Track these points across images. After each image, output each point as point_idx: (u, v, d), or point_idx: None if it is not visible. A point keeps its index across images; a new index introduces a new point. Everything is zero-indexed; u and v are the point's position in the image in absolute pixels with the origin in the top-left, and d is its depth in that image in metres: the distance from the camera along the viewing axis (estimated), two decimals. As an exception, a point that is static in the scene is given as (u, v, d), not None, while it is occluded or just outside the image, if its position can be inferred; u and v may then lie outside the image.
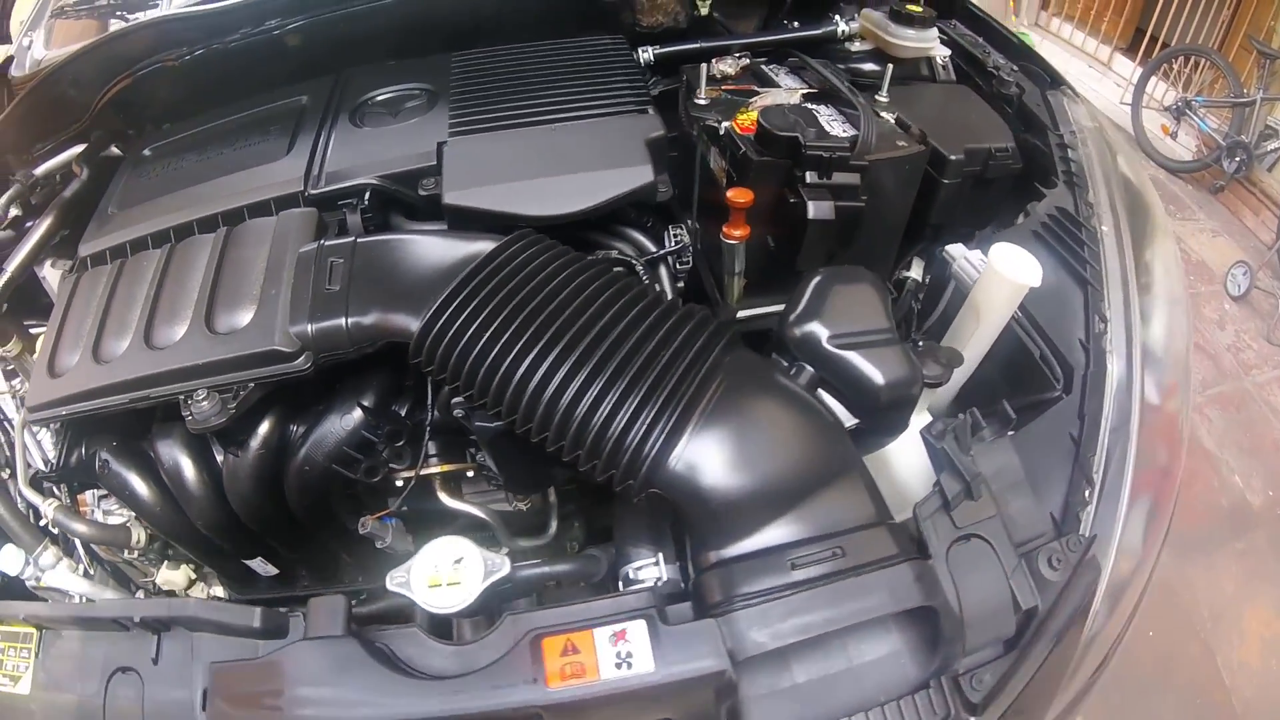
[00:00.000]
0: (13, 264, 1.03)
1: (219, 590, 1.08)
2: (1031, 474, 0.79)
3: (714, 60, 1.31)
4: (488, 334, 0.77)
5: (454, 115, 1.08)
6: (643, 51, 1.36)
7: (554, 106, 1.10)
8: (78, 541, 0.94)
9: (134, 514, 0.95)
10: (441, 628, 0.74)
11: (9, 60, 1.32)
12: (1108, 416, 0.87)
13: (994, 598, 0.70)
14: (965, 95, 1.31)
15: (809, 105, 1.18)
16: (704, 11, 1.42)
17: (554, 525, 1.13)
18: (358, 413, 0.91)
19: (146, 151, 1.15)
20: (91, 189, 1.12)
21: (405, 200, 1.02)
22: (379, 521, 0.98)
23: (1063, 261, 1.01)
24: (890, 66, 1.24)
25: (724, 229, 1.02)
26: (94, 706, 0.71)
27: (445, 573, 0.70)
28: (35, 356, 0.97)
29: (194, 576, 1.04)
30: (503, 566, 0.70)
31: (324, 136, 1.07)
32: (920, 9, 1.32)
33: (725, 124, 1.12)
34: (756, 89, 1.27)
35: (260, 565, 1.05)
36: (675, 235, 1.09)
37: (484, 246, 0.88)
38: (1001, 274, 0.92)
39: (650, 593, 0.67)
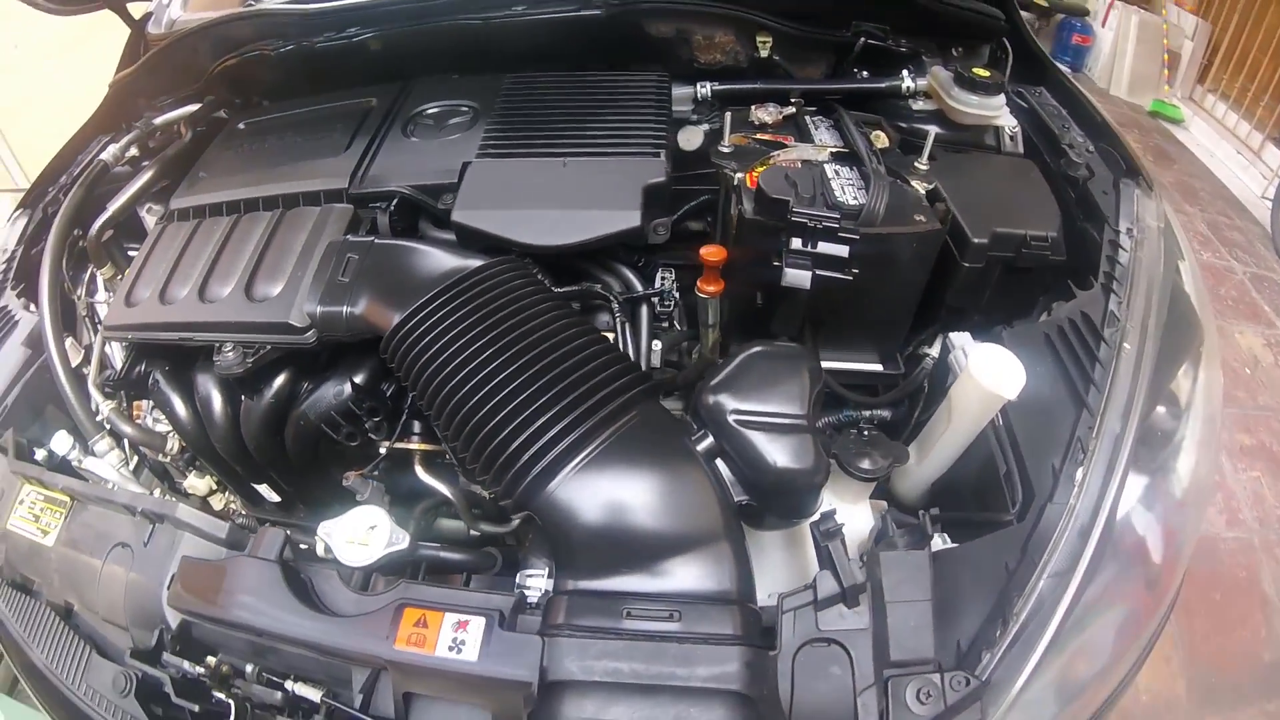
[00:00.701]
0: (119, 201, 1.31)
1: (236, 503, 1.34)
2: (955, 595, 0.78)
3: (754, 106, 1.39)
4: (436, 346, 0.93)
5: (485, 137, 1.24)
6: (700, 86, 1.43)
7: (576, 139, 1.23)
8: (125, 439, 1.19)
9: (171, 428, 1.19)
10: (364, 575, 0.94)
11: (148, 16, 1.60)
12: (1051, 557, 0.80)
13: (833, 711, 0.72)
14: (1025, 171, 1.28)
15: (831, 165, 1.20)
16: (764, 54, 1.48)
17: (516, 519, 1.28)
18: (348, 387, 1.10)
19: (241, 125, 1.39)
20: (191, 149, 1.38)
21: (430, 210, 1.20)
22: (360, 479, 1.18)
23: (1065, 375, 0.96)
24: (933, 132, 1.24)
25: (699, 282, 1.09)
26: (95, 566, 0.95)
27: (359, 534, 0.88)
28: (119, 283, 1.22)
29: (214, 487, 1.28)
30: (402, 542, 0.88)
31: (377, 140, 1.27)
32: (987, 74, 1.32)
33: (739, 175, 1.18)
34: (788, 141, 1.32)
35: (266, 491, 1.28)
36: (663, 277, 1.19)
37: (472, 265, 1.04)
38: (977, 380, 0.91)
39: (516, 599, 0.82)
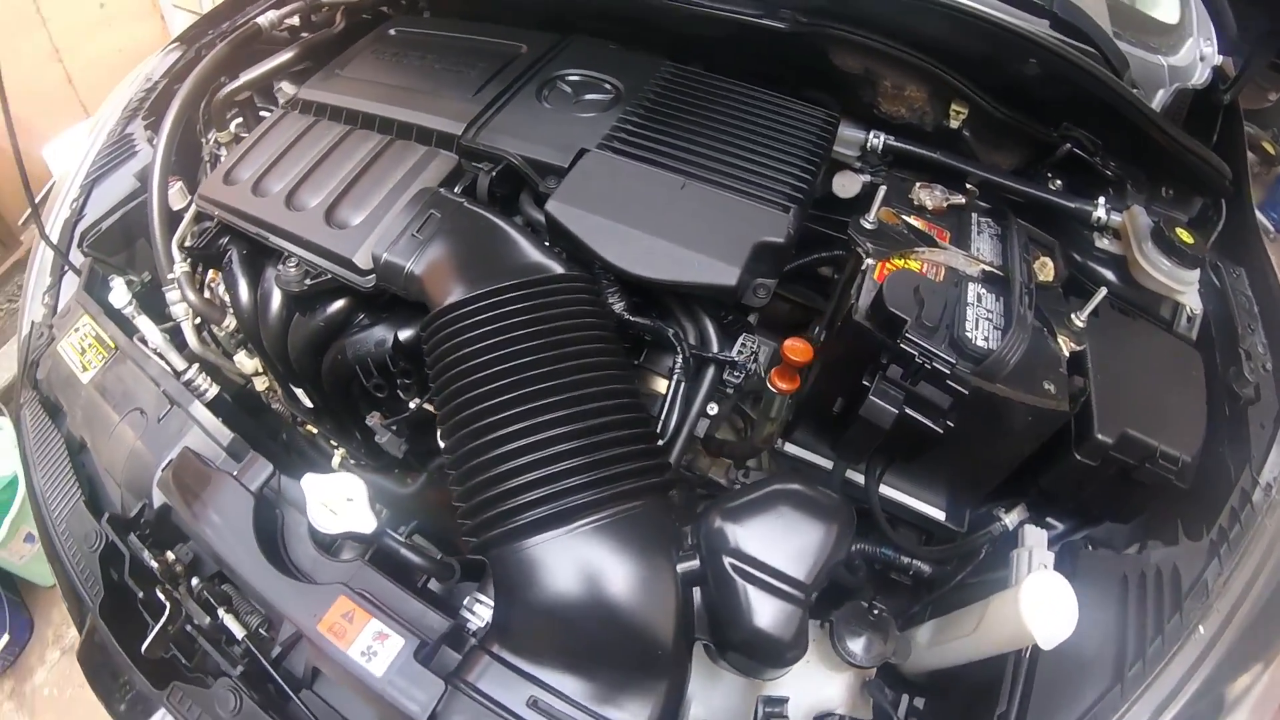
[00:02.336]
0: (256, 71, 1.40)
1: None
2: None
3: (918, 185, 1.30)
4: (468, 349, 0.95)
5: (616, 125, 1.21)
6: (874, 136, 1.36)
7: (709, 160, 1.17)
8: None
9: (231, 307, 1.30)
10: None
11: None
12: None
13: None
14: (1187, 366, 1.16)
15: (977, 285, 1.11)
16: (954, 125, 1.37)
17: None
18: (390, 340, 1.16)
19: (392, 31, 1.44)
20: (341, 39, 1.44)
21: (533, 187, 1.20)
22: (382, 425, 1.25)
23: (1119, 632, 0.91)
24: (1103, 291, 1.12)
25: (773, 373, 1.05)
26: (113, 419, 1.07)
27: (334, 501, 0.94)
28: (226, 155, 1.31)
29: (260, 370, 1.40)
30: (368, 526, 0.93)
31: (508, 94, 1.28)
32: (1190, 240, 1.18)
33: (869, 261, 1.12)
34: (942, 239, 1.21)
35: (302, 395, 1.38)
36: (744, 344, 1.13)
37: (546, 269, 1.05)
38: (1020, 610, 0.87)
39: (453, 625, 0.86)
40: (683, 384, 1.09)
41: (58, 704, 2.20)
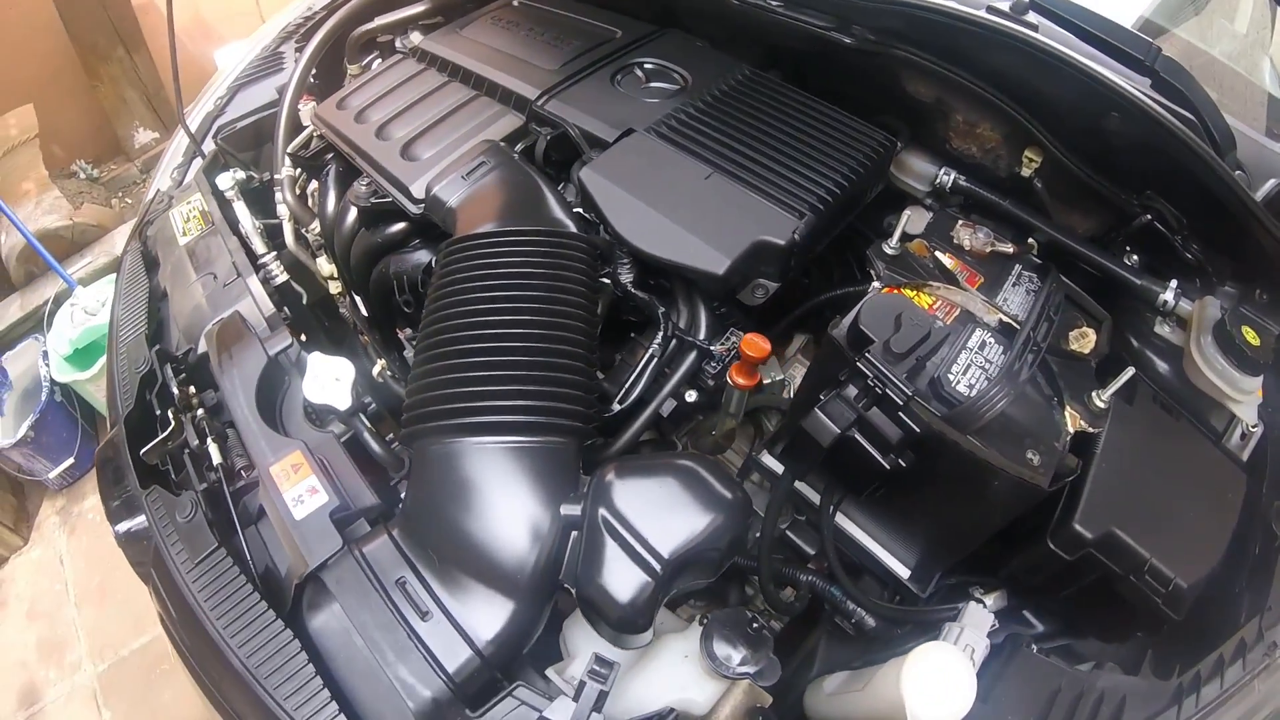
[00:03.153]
0: (391, 18, 1.64)
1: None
2: None
3: (960, 222, 1.29)
4: (453, 278, 1.09)
5: (671, 114, 1.32)
6: (944, 173, 1.38)
7: (743, 159, 1.24)
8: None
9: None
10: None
11: None
12: None
13: None
14: (1226, 487, 1.05)
15: (988, 334, 1.08)
16: (1025, 174, 1.34)
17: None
18: (427, 264, 1.32)
19: (515, 2, 1.63)
20: (470, 3, 1.65)
21: (583, 156, 1.33)
22: (409, 338, 1.43)
23: None
24: (1130, 371, 1.05)
25: (733, 368, 1.09)
26: (191, 277, 1.32)
27: (324, 377, 1.11)
28: (349, 83, 1.55)
29: (335, 275, 1.63)
30: (342, 404, 1.09)
31: (586, 71, 1.42)
32: (1257, 342, 1.09)
33: (875, 284, 1.15)
34: (972, 282, 1.20)
35: (360, 304, 1.60)
36: (726, 339, 1.18)
37: (559, 226, 1.17)
38: (901, 682, 0.85)
39: (379, 505, 1.00)
40: (655, 359, 1.15)
41: (96, 529, 2.61)
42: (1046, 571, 1.01)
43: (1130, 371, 1.04)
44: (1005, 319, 1.14)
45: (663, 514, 0.87)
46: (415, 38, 1.65)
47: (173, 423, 1.10)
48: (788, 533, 1.28)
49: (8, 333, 2.90)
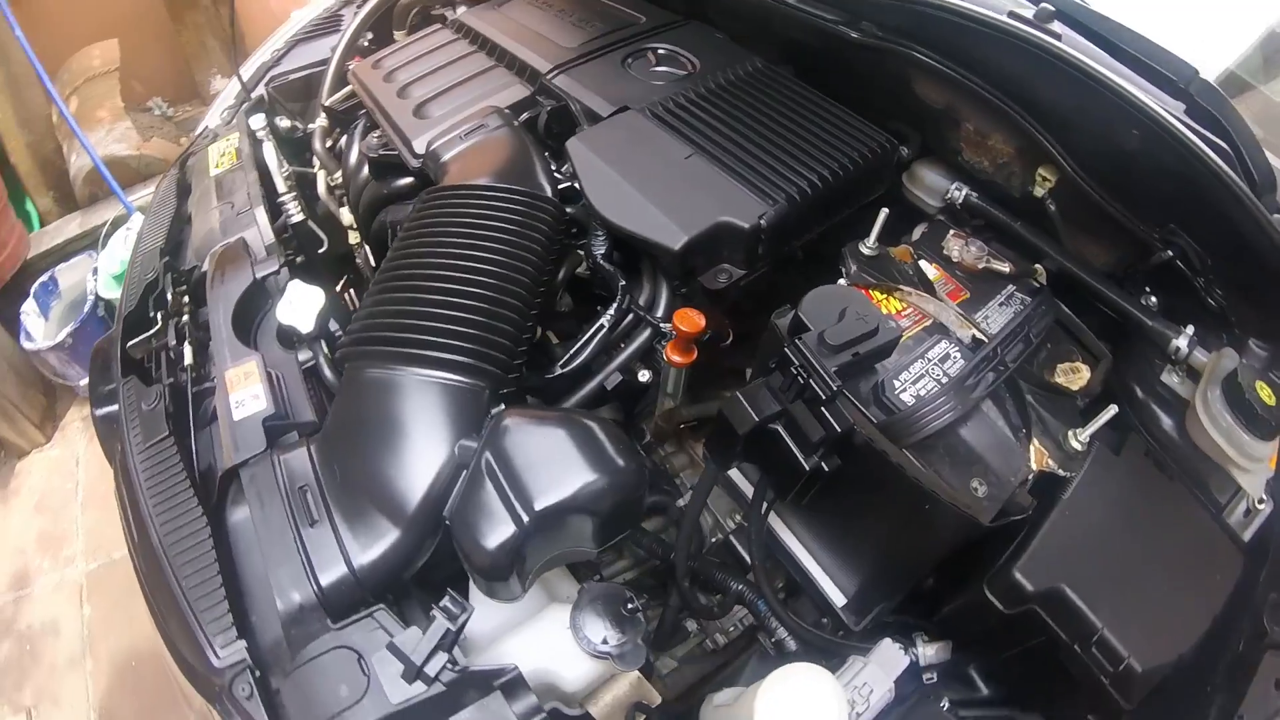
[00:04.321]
0: None
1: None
2: None
3: (952, 233, 1.28)
4: (420, 223, 1.19)
5: (669, 97, 1.38)
6: (956, 188, 1.35)
7: (730, 145, 1.28)
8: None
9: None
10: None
11: None
12: None
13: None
14: (1217, 568, 0.98)
15: (958, 349, 1.07)
16: (1037, 193, 1.30)
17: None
18: (418, 213, 1.44)
19: (553, -17, 1.74)
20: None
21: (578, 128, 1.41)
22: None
23: None
24: (1112, 410, 1.00)
25: (668, 346, 1.12)
26: (212, 204, 1.46)
27: (297, 303, 1.22)
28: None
29: (355, 225, 1.77)
30: (305, 328, 1.19)
31: (600, 52, 1.50)
32: (1272, 401, 0.99)
33: (843, 280, 1.16)
34: (955, 296, 1.19)
35: (369, 254, 1.72)
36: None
37: (535, 187, 1.25)
38: (755, 700, 0.84)
39: (311, 422, 1.09)
40: (604, 330, 1.20)
41: (114, 439, 2.88)
42: (982, 623, 0.97)
43: (1112, 410, 1.00)
44: (978, 334, 1.12)
45: (546, 466, 0.89)
46: (460, 10, 1.78)
47: (159, 324, 1.24)
48: (731, 538, 1.30)
49: (65, 246, 3.19)
